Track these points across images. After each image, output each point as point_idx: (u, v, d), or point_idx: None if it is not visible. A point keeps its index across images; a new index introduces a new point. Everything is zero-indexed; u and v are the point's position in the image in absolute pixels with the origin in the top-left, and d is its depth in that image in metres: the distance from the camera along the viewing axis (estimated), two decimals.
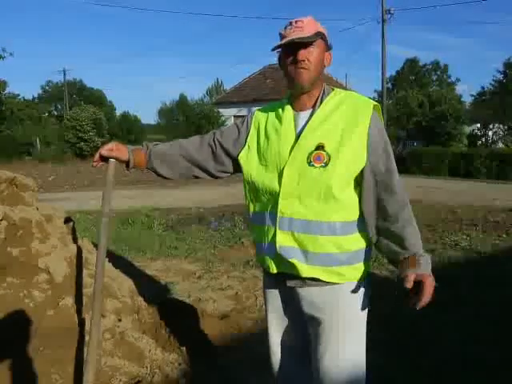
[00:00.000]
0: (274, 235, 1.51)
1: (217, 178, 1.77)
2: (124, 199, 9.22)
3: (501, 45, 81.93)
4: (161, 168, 1.71)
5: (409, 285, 1.42)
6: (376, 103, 1.52)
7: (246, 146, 1.62)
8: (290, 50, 1.46)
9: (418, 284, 1.42)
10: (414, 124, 21.54)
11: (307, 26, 1.45)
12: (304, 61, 1.45)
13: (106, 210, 1.65)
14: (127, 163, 1.68)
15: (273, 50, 1.51)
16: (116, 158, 1.65)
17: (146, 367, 2.26)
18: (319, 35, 1.46)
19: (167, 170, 1.71)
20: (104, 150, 1.63)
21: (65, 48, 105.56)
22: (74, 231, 2.62)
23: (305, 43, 1.44)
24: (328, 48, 1.53)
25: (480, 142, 22.50)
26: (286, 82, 1.55)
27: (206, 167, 1.71)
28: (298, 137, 1.50)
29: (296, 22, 1.47)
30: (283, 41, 1.46)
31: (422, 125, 21.16)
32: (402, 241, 1.47)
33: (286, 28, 1.49)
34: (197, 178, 1.76)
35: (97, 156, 1.65)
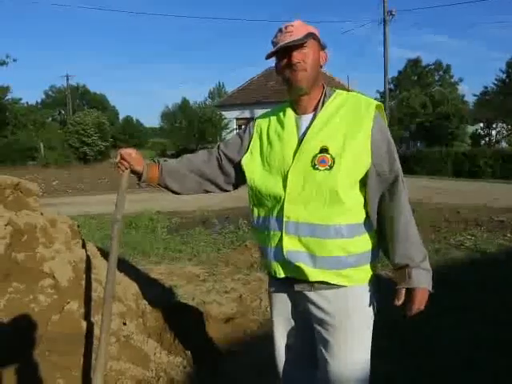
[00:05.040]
0: (281, 240, 1.49)
1: (227, 191, 1.77)
2: (128, 203, 9.22)
3: (503, 45, 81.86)
4: (173, 184, 1.72)
5: (397, 302, 1.47)
6: (379, 103, 1.51)
7: (249, 152, 1.62)
8: (284, 55, 1.46)
9: (410, 293, 1.46)
10: (416, 124, 21.49)
11: (297, 29, 1.45)
12: (299, 62, 1.44)
13: (118, 217, 1.67)
14: (139, 176, 1.69)
15: (267, 58, 1.51)
16: (131, 165, 1.65)
17: (152, 371, 2.26)
18: (310, 35, 1.46)
19: (179, 186, 1.73)
20: (124, 151, 1.65)
21: (68, 54, 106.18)
22: (78, 235, 2.63)
23: (297, 45, 1.44)
24: (322, 47, 1.53)
25: (483, 141, 22.42)
26: (286, 87, 1.53)
27: (215, 180, 1.72)
28: (300, 140, 1.48)
29: (286, 27, 1.47)
30: (275, 47, 1.46)
31: (425, 125, 21.11)
32: (397, 245, 1.47)
33: (276, 35, 1.49)
34: (208, 192, 1.77)
35: (119, 157, 1.65)
